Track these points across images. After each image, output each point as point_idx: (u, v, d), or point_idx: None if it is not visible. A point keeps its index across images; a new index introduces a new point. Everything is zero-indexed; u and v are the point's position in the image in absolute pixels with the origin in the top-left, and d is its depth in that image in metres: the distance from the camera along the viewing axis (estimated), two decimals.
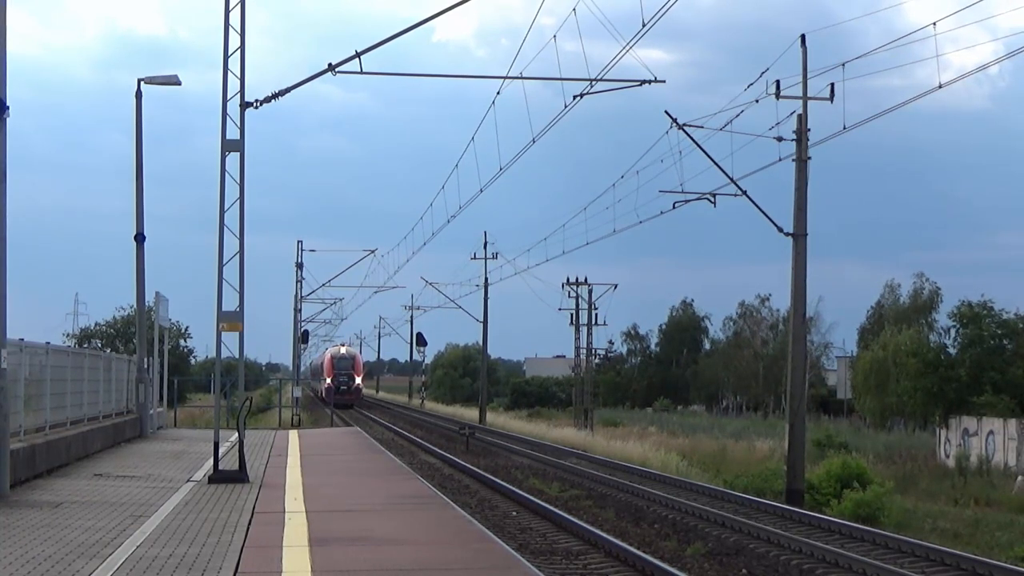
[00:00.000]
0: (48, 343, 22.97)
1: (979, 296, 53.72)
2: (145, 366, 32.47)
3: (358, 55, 21.82)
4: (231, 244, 20.73)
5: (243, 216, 20.67)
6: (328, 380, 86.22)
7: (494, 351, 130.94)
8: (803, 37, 29.92)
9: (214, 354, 22.06)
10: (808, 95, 29.85)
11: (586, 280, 68.60)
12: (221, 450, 20.55)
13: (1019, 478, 38.53)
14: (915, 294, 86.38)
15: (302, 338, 74.45)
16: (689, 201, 32.27)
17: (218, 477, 19.77)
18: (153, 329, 35.78)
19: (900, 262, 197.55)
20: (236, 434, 21.82)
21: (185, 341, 79.35)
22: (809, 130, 29.92)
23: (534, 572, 11.96)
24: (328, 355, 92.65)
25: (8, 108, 16.78)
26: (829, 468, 30.90)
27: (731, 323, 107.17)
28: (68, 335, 78.11)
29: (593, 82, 24.39)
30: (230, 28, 20.53)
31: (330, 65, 22.26)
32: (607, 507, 24.62)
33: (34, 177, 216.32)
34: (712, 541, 19.75)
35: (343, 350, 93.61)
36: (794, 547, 19.16)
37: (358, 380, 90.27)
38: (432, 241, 77.49)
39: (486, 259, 71.60)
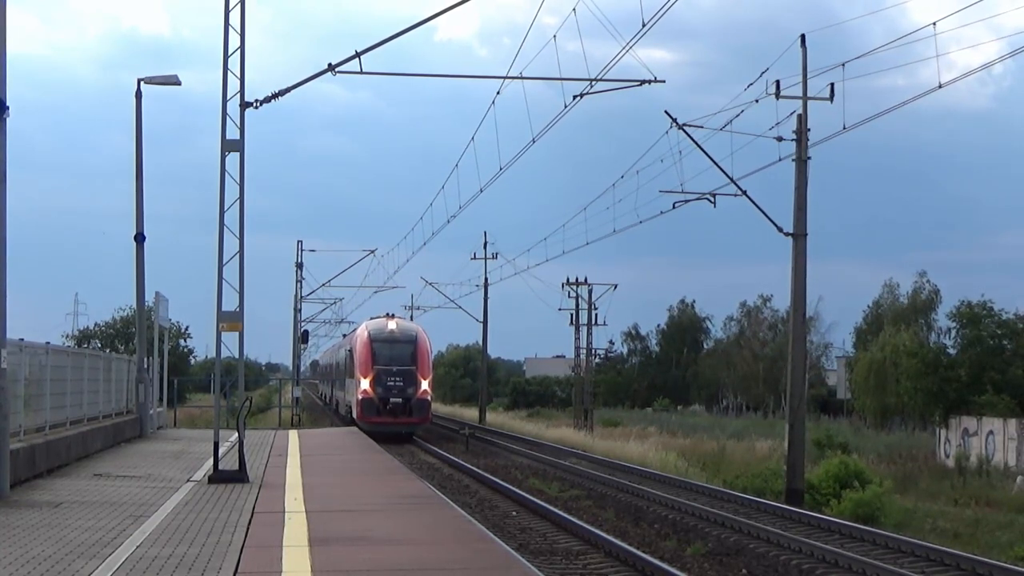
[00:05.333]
0: (48, 343, 22.96)
1: (980, 296, 53.92)
2: (145, 366, 32.47)
3: (358, 55, 21.83)
4: (231, 244, 20.74)
5: (243, 216, 20.68)
6: (364, 384, 45.23)
7: (494, 351, 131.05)
8: (803, 37, 29.96)
9: (214, 354, 22.07)
10: (808, 95, 29.89)
11: (586, 280, 68.69)
12: (221, 450, 20.55)
13: (1019, 478, 38.56)
14: (914, 294, 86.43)
15: (302, 338, 74.40)
16: (689, 201, 32.32)
17: (218, 477, 19.76)
18: (153, 329, 35.78)
19: (902, 262, 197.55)
20: (236, 434, 21.82)
21: (185, 341, 79.43)
22: (809, 130, 29.96)
23: (534, 572, 11.96)
24: (363, 335, 47.53)
25: (8, 108, 16.78)
26: (828, 468, 30.93)
27: (732, 323, 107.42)
28: (67, 335, 78.18)
29: (593, 82, 24.40)
30: (230, 28, 20.55)
31: (330, 65, 22.28)
32: (607, 507, 24.62)
33: (35, 177, 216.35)
34: (712, 541, 19.75)
35: (393, 325, 48.01)
36: (794, 547, 19.17)
37: (424, 385, 46.12)
38: (432, 241, 76.88)
39: (486, 259, 71.60)
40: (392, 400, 44.73)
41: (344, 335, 70.07)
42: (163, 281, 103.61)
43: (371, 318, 51.35)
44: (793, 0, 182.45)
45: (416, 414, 45.42)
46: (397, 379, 45.07)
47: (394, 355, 45.78)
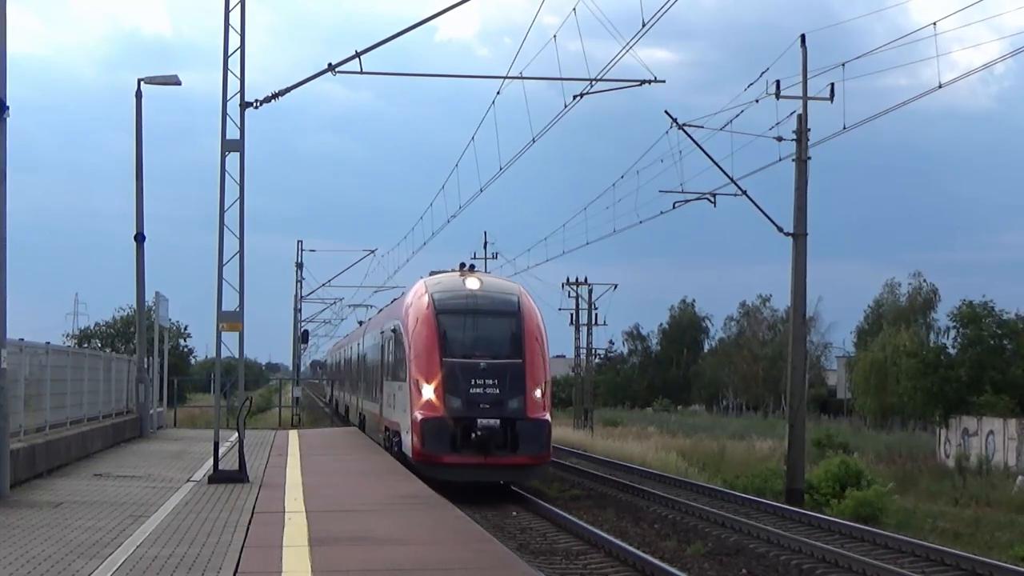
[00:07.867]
0: (48, 343, 22.95)
1: (980, 296, 54.01)
2: (145, 366, 32.46)
3: (358, 55, 21.84)
4: (231, 244, 20.73)
5: (243, 216, 20.66)
6: (428, 392, 24.13)
7: None
8: (803, 37, 29.99)
9: (214, 354, 22.06)
10: (808, 95, 29.91)
11: (586, 280, 68.68)
12: (221, 450, 20.54)
13: (1019, 478, 38.57)
14: (913, 294, 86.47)
15: (302, 338, 74.38)
16: (689, 201, 32.34)
17: (218, 477, 19.75)
18: (153, 329, 35.77)
19: (902, 262, 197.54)
20: (236, 434, 21.82)
21: (185, 341, 79.45)
22: (809, 130, 30.00)
23: (534, 572, 11.96)
24: (420, 303, 25.73)
25: (8, 108, 16.78)
26: (828, 468, 30.94)
27: (732, 323, 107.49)
28: (68, 335, 78.24)
29: (593, 82, 24.38)
30: (230, 28, 20.54)
31: (330, 65, 22.28)
32: (607, 507, 24.62)
33: (35, 177, 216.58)
34: (712, 541, 19.75)
35: (474, 283, 26.17)
36: (794, 547, 19.17)
37: (537, 394, 24.14)
38: (432, 241, 76.37)
39: (486, 259, 71.46)
40: (482, 423, 23.85)
41: (360, 322, 51.31)
42: (163, 281, 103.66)
43: (432, 272, 28.61)
44: (793, 0, 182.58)
45: (525, 448, 24.13)
46: (488, 382, 24.36)
47: (480, 337, 25.43)
